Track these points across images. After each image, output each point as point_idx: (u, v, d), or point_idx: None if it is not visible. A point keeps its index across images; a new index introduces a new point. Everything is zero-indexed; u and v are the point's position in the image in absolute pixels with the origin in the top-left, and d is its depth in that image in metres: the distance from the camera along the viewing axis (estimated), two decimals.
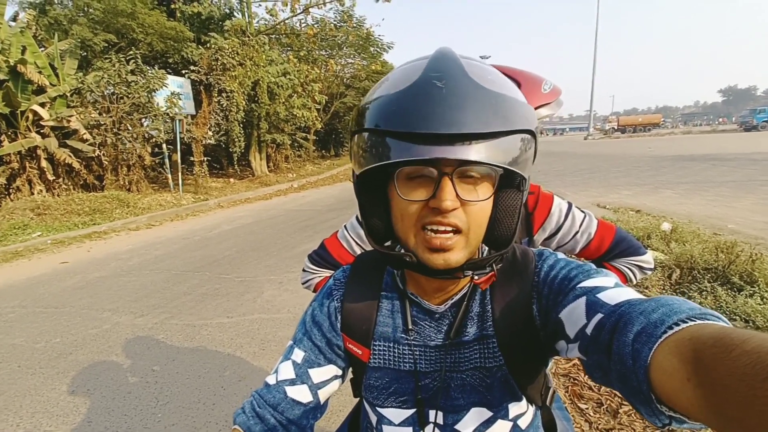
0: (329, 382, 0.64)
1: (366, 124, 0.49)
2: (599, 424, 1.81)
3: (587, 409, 1.91)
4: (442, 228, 0.47)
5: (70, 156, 8.16)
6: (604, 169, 12.29)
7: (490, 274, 0.55)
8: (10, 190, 7.80)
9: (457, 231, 0.48)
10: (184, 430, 1.93)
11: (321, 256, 1.08)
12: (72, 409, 2.13)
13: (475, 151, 0.43)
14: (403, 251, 0.52)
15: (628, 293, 0.44)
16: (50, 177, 8.02)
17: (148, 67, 9.46)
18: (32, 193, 7.87)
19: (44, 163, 7.91)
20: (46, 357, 2.68)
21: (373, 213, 0.54)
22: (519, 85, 0.88)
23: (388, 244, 0.57)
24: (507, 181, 0.51)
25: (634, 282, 1.01)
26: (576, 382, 2.10)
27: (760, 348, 0.26)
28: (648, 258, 0.98)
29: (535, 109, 0.87)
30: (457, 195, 0.46)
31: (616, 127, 52.14)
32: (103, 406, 2.13)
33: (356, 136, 0.51)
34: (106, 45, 10.94)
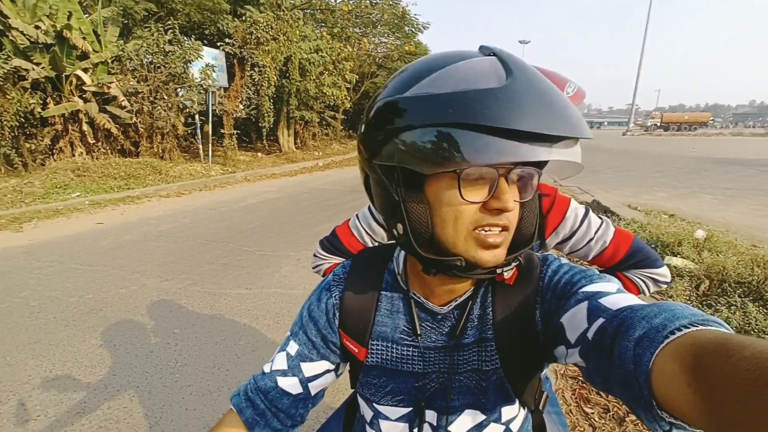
0: (320, 376, 0.64)
1: (448, 117, 0.43)
2: (604, 430, 1.79)
3: (593, 413, 1.88)
4: (494, 229, 0.48)
5: (109, 121, 8.50)
6: (640, 167, 11.71)
7: (515, 269, 0.56)
8: (54, 151, 8.24)
9: (504, 229, 0.49)
10: (199, 392, 2.05)
11: (332, 243, 1.10)
12: (99, 361, 2.29)
13: (577, 153, 0.46)
14: (438, 255, 0.50)
15: (630, 299, 0.44)
16: (90, 140, 8.41)
17: (184, 38, 9.61)
18: (73, 155, 8.29)
19: (85, 127, 8.29)
20: (78, 311, 2.88)
21: (421, 216, 0.49)
22: None
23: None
24: None
25: (647, 294, 0.97)
26: (584, 385, 2.07)
27: (760, 354, 0.26)
28: (664, 271, 0.94)
29: None
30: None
31: (658, 124, 49.35)
32: (126, 362, 2.28)
33: (423, 130, 0.45)
34: (147, 14, 11.15)
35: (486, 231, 0.48)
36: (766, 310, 2.59)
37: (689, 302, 2.94)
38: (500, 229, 0.48)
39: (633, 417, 1.83)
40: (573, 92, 0.86)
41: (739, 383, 0.26)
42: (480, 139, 0.42)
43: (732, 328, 0.36)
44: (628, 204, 6.28)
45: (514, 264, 0.53)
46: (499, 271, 0.51)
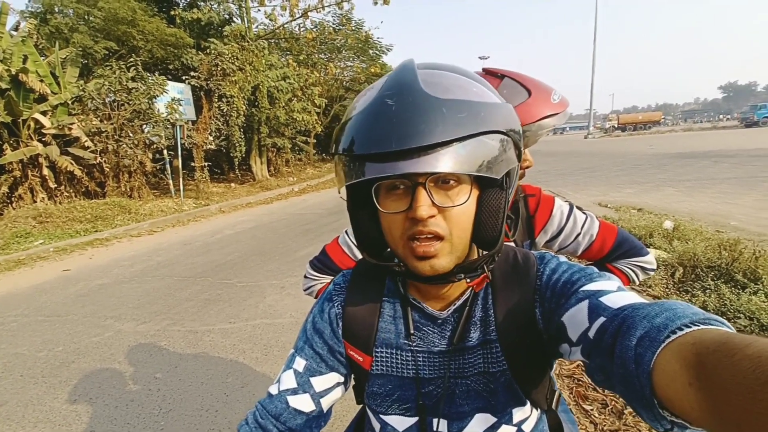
0: (332, 389, 0.63)
1: (337, 146, 0.51)
2: (604, 425, 1.80)
3: (592, 410, 1.89)
4: (423, 236, 0.48)
5: (71, 163, 8.18)
6: (605, 167, 12.27)
7: (483, 275, 0.55)
8: (12, 199, 7.82)
9: (439, 238, 0.48)
10: None
11: (322, 262, 1.08)
12: (74, 418, 2.13)
13: (436, 161, 0.44)
14: (396, 260, 0.54)
15: (631, 297, 0.44)
16: (52, 185, 8.05)
17: (148, 74, 9.50)
18: (34, 201, 7.89)
19: (46, 171, 7.93)
20: (48, 366, 2.68)
21: (365, 226, 0.55)
22: (529, 93, 0.88)
23: (387, 250, 0.58)
24: (488, 182, 0.50)
25: (637, 283, 1.01)
26: (580, 383, 2.09)
27: (762, 352, 0.26)
28: (650, 258, 0.98)
29: (543, 118, 0.88)
30: (434, 202, 0.46)
31: (616, 126, 52.05)
32: (105, 415, 2.13)
33: (334, 157, 0.53)
34: (107, 52, 11.00)
35: (418, 239, 0.48)
36: (737, 291, 2.71)
37: (667, 290, 3.05)
38: (433, 238, 0.48)
39: (631, 410, 1.85)
40: (557, 100, 0.89)
41: (740, 382, 0.26)
42: (350, 160, 0.48)
43: (710, 311, 0.37)
44: (598, 202, 6.54)
45: (479, 271, 0.52)
46: (460, 278, 0.52)
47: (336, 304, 0.64)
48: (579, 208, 1.02)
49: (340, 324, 0.63)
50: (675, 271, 3.21)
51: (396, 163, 0.44)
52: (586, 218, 0.99)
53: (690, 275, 3.11)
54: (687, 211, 5.52)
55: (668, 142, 23.34)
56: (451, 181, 0.48)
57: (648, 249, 1.00)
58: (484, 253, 0.55)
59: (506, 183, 0.51)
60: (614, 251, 0.97)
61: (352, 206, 0.55)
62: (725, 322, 0.35)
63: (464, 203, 0.48)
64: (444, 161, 0.44)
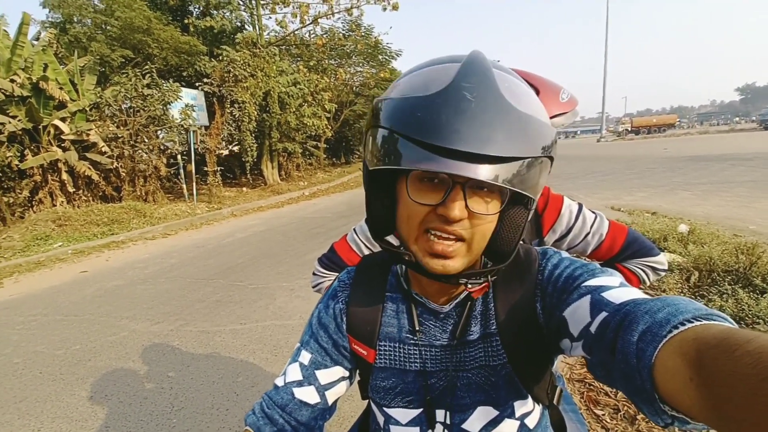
0: (336, 383, 0.64)
1: (388, 121, 0.46)
2: (616, 430, 1.77)
3: (604, 415, 1.86)
4: (446, 235, 0.47)
5: (89, 168, 8.41)
6: (617, 171, 12.07)
7: (484, 284, 0.54)
8: (33, 203, 8.06)
9: (460, 239, 0.48)
10: None
11: (331, 260, 1.10)
12: (90, 414, 2.18)
13: (496, 172, 0.43)
14: (402, 249, 0.53)
15: (633, 292, 0.44)
16: (70, 189, 8.27)
17: (163, 81, 9.71)
18: (54, 205, 8.11)
19: (65, 176, 8.16)
20: (66, 363, 2.75)
21: (378, 206, 0.55)
22: (538, 92, 0.89)
23: (388, 237, 0.58)
24: (516, 198, 0.51)
25: (648, 283, 0.99)
26: (591, 387, 2.06)
27: (763, 348, 0.26)
28: (661, 259, 0.97)
29: (552, 117, 0.87)
30: (466, 206, 0.46)
31: (629, 129, 51.31)
32: (120, 412, 2.17)
33: (374, 130, 0.49)
34: (124, 60, 11.28)
35: (437, 235, 0.47)
36: (756, 296, 2.64)
37: (682, 295, 2.98)
38: (454, 239, 0.47)
39: (633, 404, 1.82)
40: (566, 99, 0.89)
41: (741, 378, 0.26)
42: (403, 142, 0.45)
43: (727, 315, 0.36)
44: (611, 206, 6.44)
45: (482, 279, 0.52)
46: (462, 281, 0.51)
47: (340, 300, 0.66)
48: (589, 209, 1.01)
49: (345, 319, 0.64)
50: (690, 275, 3.14)
51: (462, 163, 0.42)
52: (596, 217, 0.98)
53: (706, 280, 3.04)
54: (702, 215, 5.40)
55: (683, 144, 22.88)
56: (486, 189, 0.47)
57: (660, 251, 0.99)
58: (486, 262, 0.55)
59: (530, 203, 0.51)
60: (624, 251, 0.96)
61: (373, 184, 0.54)
62: (727, 317, 0.35)
63: (495, 214, 0.49)
64: (503, 174, 0.43)
